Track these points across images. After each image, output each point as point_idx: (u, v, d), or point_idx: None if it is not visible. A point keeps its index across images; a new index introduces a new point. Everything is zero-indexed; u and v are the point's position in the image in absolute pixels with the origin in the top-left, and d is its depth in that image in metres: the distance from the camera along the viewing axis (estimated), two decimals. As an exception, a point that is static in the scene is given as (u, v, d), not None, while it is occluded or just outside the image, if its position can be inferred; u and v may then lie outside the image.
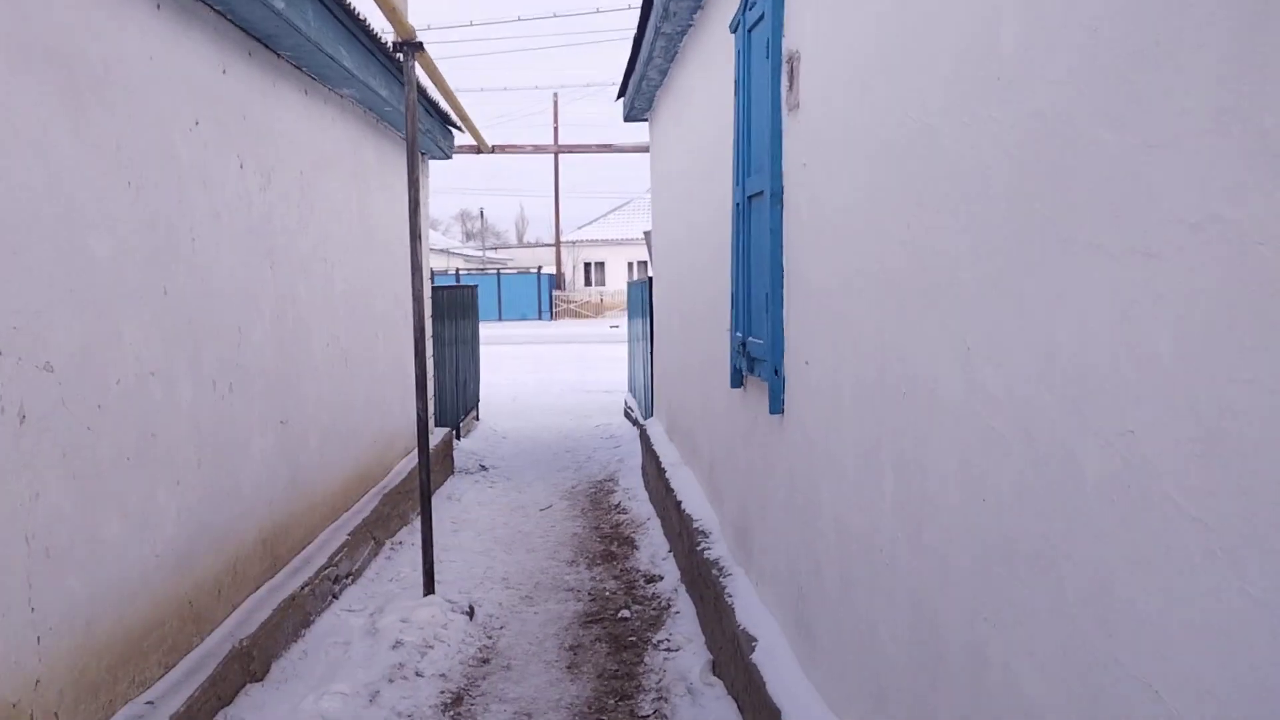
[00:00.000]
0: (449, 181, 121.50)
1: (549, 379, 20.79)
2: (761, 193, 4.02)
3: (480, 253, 56.06)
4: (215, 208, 4.49)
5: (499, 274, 45.07)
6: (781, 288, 3.85)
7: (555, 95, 42.01)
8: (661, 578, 6.32)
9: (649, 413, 10.91)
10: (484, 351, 28.10)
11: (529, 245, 64.04)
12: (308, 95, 5.92)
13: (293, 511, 5.49)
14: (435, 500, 8.97)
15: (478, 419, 14.69)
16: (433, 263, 44.78)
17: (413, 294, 5.68)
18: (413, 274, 5.67)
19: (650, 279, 10.75)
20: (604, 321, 42.14)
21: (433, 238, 55.68)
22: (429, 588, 5.74)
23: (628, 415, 14.29)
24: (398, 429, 8.42)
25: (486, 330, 37.60)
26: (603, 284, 49.68)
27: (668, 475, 7.19)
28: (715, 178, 5.51)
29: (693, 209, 6.67)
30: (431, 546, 5.76)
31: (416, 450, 5.63)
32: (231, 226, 4.69)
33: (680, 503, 6.29)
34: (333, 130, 6.52)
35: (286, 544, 5.38)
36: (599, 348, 28.91)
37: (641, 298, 11.79)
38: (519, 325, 40.36)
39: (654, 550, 6.92)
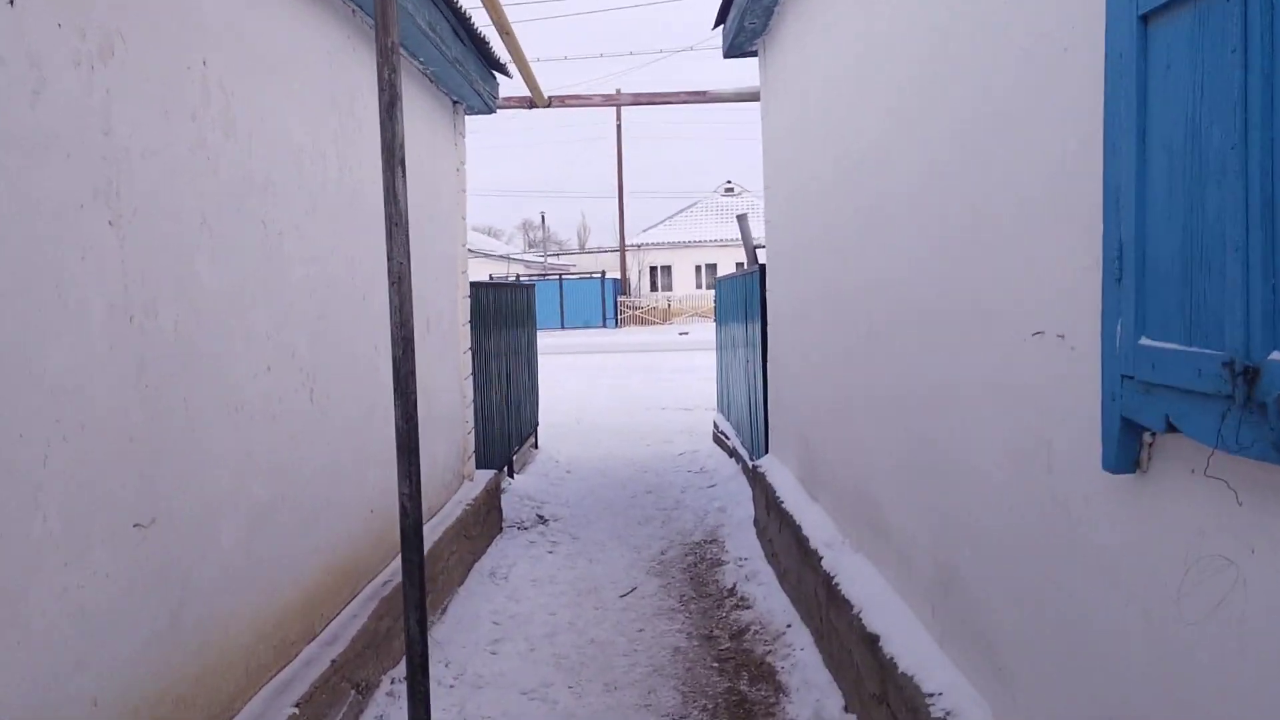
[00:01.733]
0: (508, 181, 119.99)
1: (618, 393, 18.20)
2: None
3: (541, 259, 53.85)
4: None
5: (561, 279, 42.73)
6: None
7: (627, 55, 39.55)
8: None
9: (759, 447, 8.21)
10: (546, 362, 25.54)
11: (592, 251, 61.70)
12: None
13: (170, 682, 2.94)
14: (473, 580, 6.39)
15: (536, 445, 12.15)
16: (491, 269, 42.67)
17: (391, 301, 3.07)
18: (389, 259, 3.07)
19: (759, 269, 8.05)
20: (672, 328, 39.51)
21: (492, 245, 53.66)
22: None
23: (719, 441, 11.61)
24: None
25: (548, 339, 35.22)
26: (669, 289, 47.05)
27: (828, 570, 4.50)
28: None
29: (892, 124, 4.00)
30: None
31: (402, 554, 3.05)
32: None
33: (876, 638, 3.59)
34: (286, 19, 3.98)
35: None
36: (670, 356, 26.27)
37: (745, 295, 9.10)
38: (583, 333, 37.94)
39: (818, 701, 4.20)
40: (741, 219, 11.49)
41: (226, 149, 3.37)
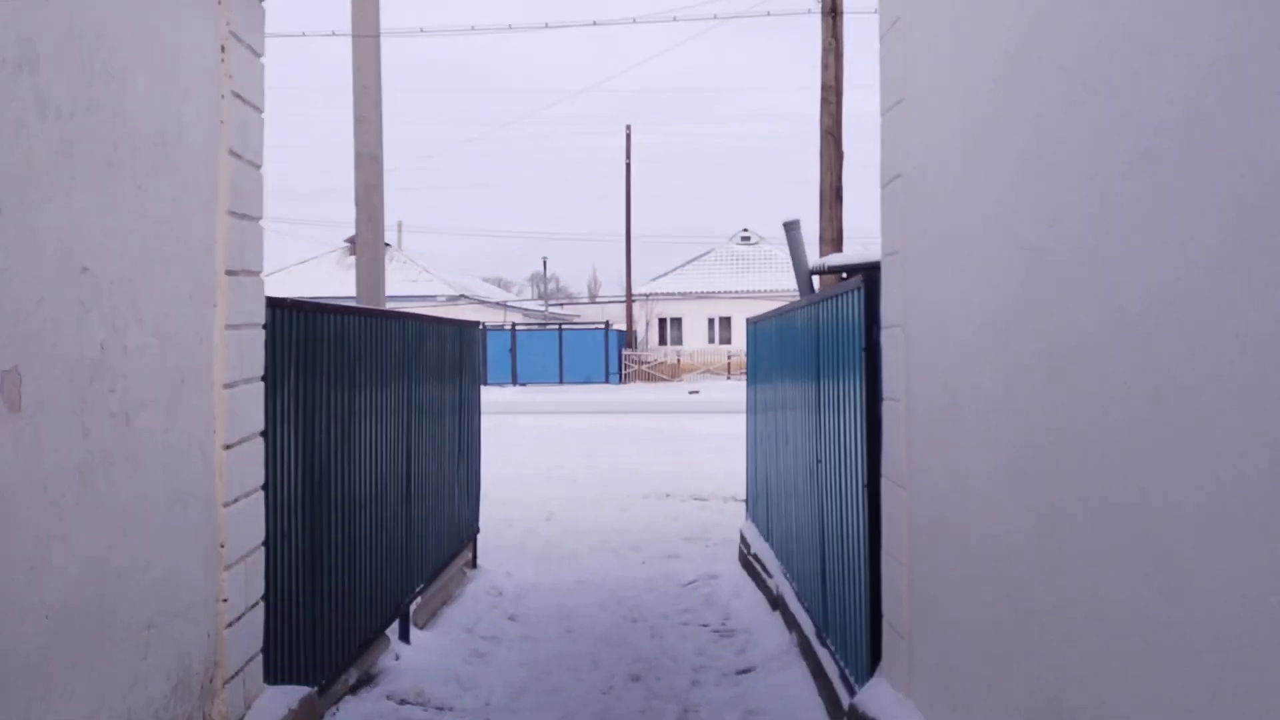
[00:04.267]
0: (518, 227, 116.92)
1: (612, 468, 14.14)
2: None
3: (542, 307, 50.13)
4: None
5: (561, 329, 38.88)
6: None
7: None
8: None
9: (856, 646, 4.16)
10: (533, 425, 21.54)
11: (600, 301, 58.03)
12: None
13: None
14: None
15: (474, 564, 8.11)
16: (485, 316, 38.94)
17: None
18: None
19: (863, 284, 3.99)
20: (681, 385, 35.51)
21: (494, 292, 50.01)
22: None
23: (750, 566, 7.56)
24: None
25: (543, 395, 31.27)
26: (679, 342, 43.12)
27: None
28: None
29: None
30: None
31: None
32: None
33: None
34: None
35: None
36: (679, 420, 22.26)
37: (811, 338, 5.07)
38: (583, 390, 33.95)
39: None
40: (792, 228, 7.55)
41: None
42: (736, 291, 42.18)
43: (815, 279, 7.47)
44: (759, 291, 41.93)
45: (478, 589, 7.49)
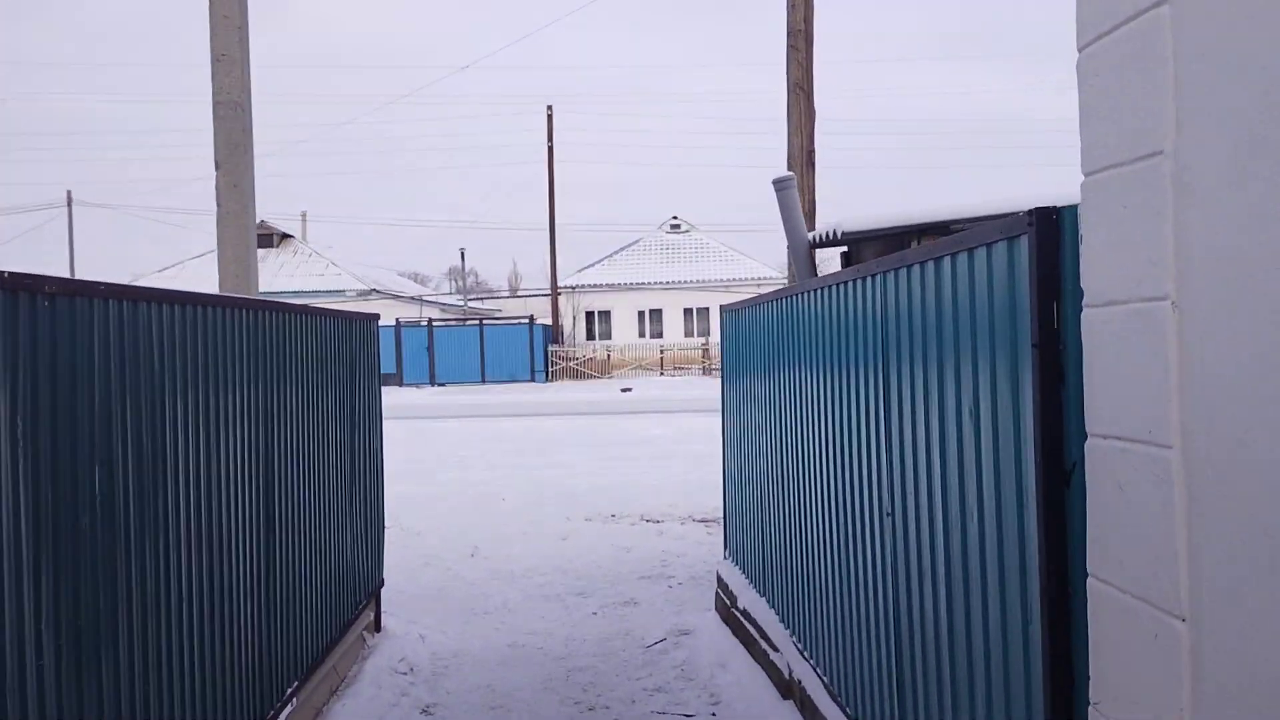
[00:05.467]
0: (433, 219, 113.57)
1: (545, 483, 12.34)
2: None
3: (461, 301, 47.80)
4: None
5: (481, 324, 36.71)
6: None
7: None
8: None
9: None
10: (455, 432, 19.42)
11: (522, 295, 55.86)
12: None
13: None
14: None
15: (376, 628, 6.25)
16: (399, 312, 36.70)
17: None
18: None
19: (1049, 217, 2.26)
20: (613, 383, 33.77)
21: (408, 286, 47.60)
22: None
23: (733, 622, 5.87)
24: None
25: (464, 397, 29.05)
26: (608, 337, 41.26)
27: None
28: None
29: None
30: None
31: None
32: None
33: None
34: None
35: None
36: (616, 422, 20.49)
37: (875, 336, 3.35)
38: (506, 389, 31.94)
39: None
40: (783, 186, 5.90)
41: None
42: (667, 282, 40.58)
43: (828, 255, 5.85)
44: (691, 282, 40.45)
45: (381, 665, 5.66)
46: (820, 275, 4.98)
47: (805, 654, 4.44)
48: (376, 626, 6.24)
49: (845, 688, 3.83)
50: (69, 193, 42.70)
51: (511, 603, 7.13)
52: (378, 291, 37.89)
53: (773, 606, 5.19)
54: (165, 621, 3.14)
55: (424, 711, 5.10)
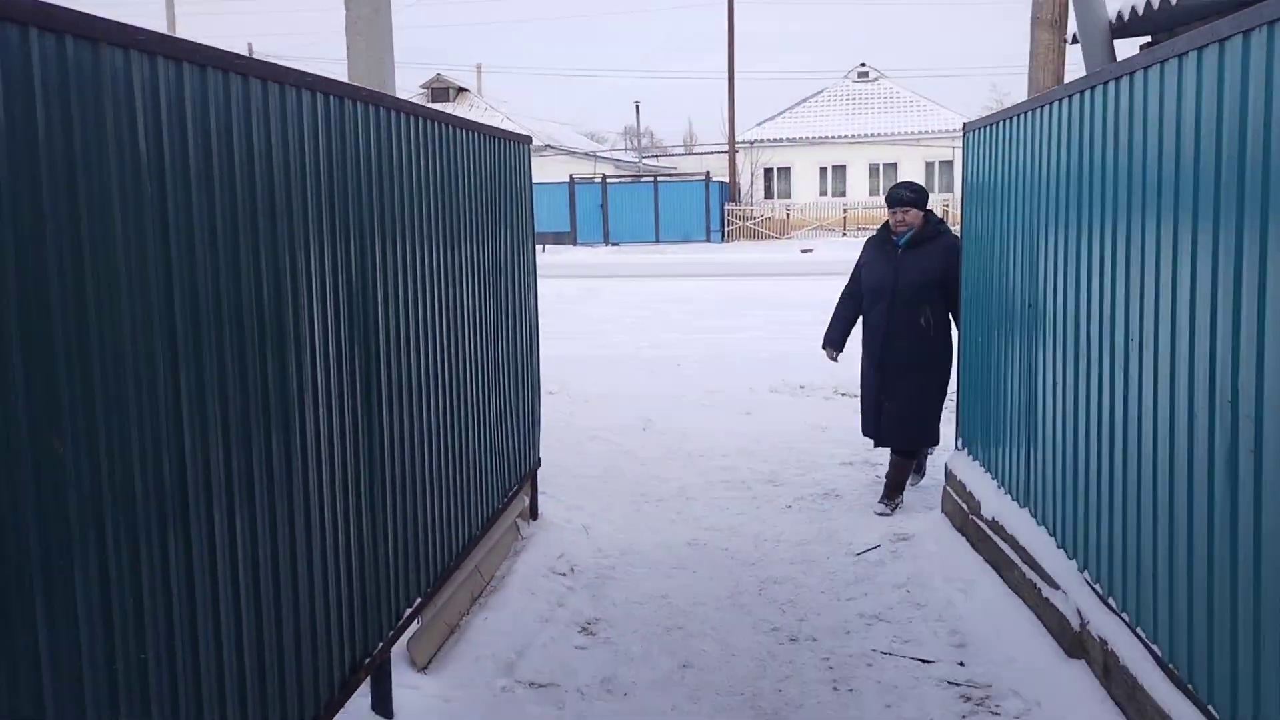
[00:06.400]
0: (615, 73, 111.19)
1: (724, 348, 11.16)
2: None
3: (636, 159, 46.34)
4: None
5: (656, 182, 35.31)
6: None
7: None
8: None
9: None
10: (628, 293, 18.35)
11: (697, 152, 53.73)
12: None
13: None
14: None
15: (533, 514, 5.30)
16: (574, 168, 35.76)
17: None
18: None
19: None
20: (792, 244, 31.92)
21: (579, 141, 46.46)
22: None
23: (972, 527, 4.56)
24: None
25: (637, 257, 27.87)
26: (788, 195, 38.99)
27: None
28: None
29: None
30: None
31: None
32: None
33: None
34: None
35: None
36: (795, 284, 18.92)
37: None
38: (681, 249, 30.69)
39: None
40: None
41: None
42: (852, 136, 37.63)
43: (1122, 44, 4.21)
44: (878, 135, 37.42)
45: (535, 564, 4.72)
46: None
47: (1113, 604, 3.11)
48: (532, 513, 5.30)
49: (1207, 678, 2.50)
50: None
51: (690, 488, 6.07)
52: (551, 147, 36.96)
53: (1044, 525, 3.84)
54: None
55: (583, 630, 4.12)
